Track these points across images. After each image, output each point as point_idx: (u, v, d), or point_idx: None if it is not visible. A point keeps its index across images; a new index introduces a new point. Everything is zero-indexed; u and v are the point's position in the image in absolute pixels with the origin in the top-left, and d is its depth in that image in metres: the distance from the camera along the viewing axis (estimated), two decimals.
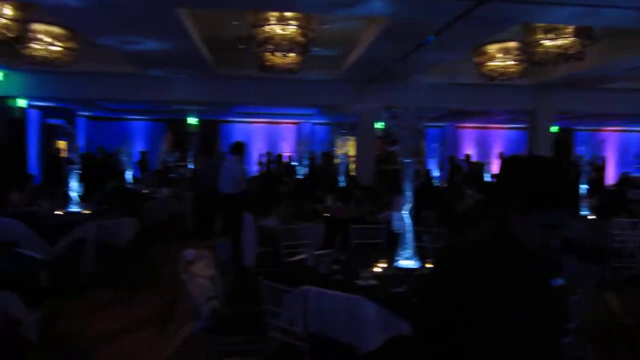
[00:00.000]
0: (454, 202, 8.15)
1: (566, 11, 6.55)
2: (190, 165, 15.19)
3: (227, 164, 8.40)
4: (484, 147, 19.17)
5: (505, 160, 1.74)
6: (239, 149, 8.32)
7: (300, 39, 7.02)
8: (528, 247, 1.63)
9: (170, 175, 13.55)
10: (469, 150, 18.74)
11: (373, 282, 3.56)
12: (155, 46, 8.35)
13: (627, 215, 6.76)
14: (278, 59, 7.70)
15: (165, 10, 6.51)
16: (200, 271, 3.44)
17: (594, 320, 5.16)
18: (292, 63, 7.82)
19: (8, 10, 6.52)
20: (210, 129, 18.59)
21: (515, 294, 1.64)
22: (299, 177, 12.95)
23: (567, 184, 1.60)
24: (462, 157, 17.00)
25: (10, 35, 6.60)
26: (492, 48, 8.71)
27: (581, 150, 8.84)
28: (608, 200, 7.52)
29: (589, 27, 7.77)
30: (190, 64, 9.95)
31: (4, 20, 6.47)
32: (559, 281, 2.01)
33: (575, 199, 1.71)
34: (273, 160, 16.53)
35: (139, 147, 17.42)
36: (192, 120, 18.29)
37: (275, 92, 11.85)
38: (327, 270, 3.85)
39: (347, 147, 15.82)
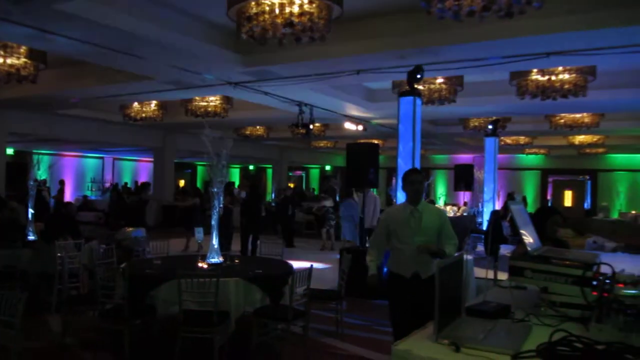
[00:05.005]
0: None
1: (17, 30, 6.33)
2: None
3: None
4: None
5: None
6: None
7: None
8: None
9: None
10: None
11: None
12: None
13: (74, 236, 6.98)
14: None
15: None
16: None
17: (33, 347, 5.08)
18: None
19: None
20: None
21: None
22: None
23: None
24: None
25: None
26: None
27: (42, 174, 8.63)
28: (53, 224, 7.56)
29: (43, 51, 7.77)
30: None
31: None
32: None
33: None
34: None
35: None
36: None
37: None
38: None
39: None
